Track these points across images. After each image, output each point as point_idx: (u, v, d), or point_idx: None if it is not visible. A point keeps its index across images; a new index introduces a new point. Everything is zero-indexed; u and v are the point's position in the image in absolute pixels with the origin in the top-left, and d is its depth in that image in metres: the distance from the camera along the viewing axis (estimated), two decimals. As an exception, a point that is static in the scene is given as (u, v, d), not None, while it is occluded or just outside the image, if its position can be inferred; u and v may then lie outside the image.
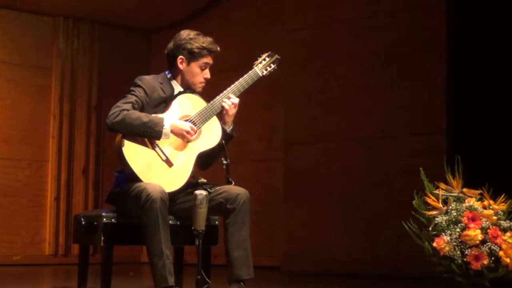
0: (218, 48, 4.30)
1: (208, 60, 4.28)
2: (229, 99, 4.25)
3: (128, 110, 4.08)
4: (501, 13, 6.06)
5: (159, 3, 7.96)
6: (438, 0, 6.45)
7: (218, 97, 4.26)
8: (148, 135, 4.08)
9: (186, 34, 4.29)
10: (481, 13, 6.14)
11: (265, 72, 4.39)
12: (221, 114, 4.28)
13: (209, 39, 4.29)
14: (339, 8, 7.06)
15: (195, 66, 4.27)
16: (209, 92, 4.38)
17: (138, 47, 8.40)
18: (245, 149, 7.42)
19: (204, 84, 4.31)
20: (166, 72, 4.34)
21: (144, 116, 4.08)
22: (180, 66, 4.27)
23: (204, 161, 4.31)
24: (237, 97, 4.28)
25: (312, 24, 7.22)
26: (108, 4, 7.87)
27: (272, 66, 4.42)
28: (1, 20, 7.63)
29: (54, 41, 7.90)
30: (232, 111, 4.28)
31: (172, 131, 4.11)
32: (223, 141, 4.26)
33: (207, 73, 4.30)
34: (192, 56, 4.25)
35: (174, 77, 4.31)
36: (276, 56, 4.45)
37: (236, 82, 4.31)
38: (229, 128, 4.30)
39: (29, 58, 7.77)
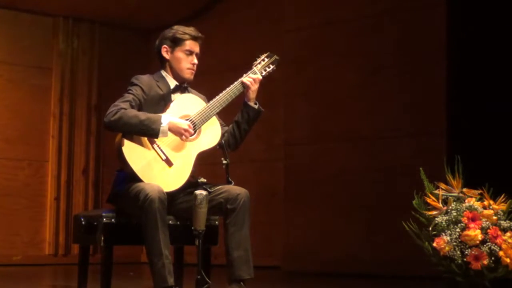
0: (200, 34, 4.29)
1: (192, 46, 4.26)
2: (253, 75, 4.26)
3: (125, 108, 4.07)
4: (501, 13, 6.06)
5: (159, 3, 7.96)
6: (438, 0, 6.45)
7: (217, 97, 4.25)
8: (146, 133, 4.07)
9: (168, 28, 4.34)
10: (481, 13, 6.14)
11: (264, 73, 4.37)
12: (242, 94, 4.27)
13: (191, 27, 4.30)
14: (339, 8, 7.06)
15: (179, 52, 4.26)
16: (209, 92, 4.38)
17: (138, 47, 8.39)
18: (245, 149, 7.38)
19: (193, 71, 4.29)
20: (160, 70, 4.34)
21: (142, 114, 4.07)
22: (166, 55, 4.28)
23: (234, 139, 4.40)
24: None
25: (312, 24, 7.22)
26: (108, 4, 7.87)
27: (271, 67, 4.41)
28: (1, 20, 7.63)
29: (54, 41, 7.90)
30: (254, 87, 4.28)
31: (170, 129, 4.09)
32: (252, 119, 4.32)
33: (193, 59, 4.28)
34: (174, 43, 4.26)
35: (165, 71, 4.31)
36: (275, 56, 4.43)
37: (236, 83, 4.30)
38: (255, 105, 4.31)
39: (29, 58, 7.77)
